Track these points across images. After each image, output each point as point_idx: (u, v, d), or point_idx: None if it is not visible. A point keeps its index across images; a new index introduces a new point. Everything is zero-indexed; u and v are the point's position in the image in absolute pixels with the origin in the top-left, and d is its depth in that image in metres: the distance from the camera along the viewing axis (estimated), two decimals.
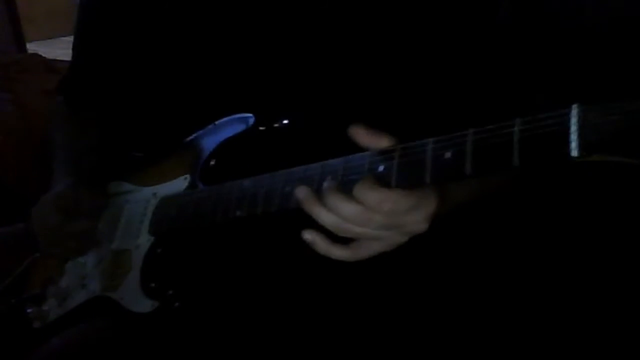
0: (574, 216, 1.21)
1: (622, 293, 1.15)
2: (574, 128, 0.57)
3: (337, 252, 0.75)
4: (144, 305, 0.98)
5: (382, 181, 0.71)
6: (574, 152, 0.57)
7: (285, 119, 0.93)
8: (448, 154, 0.66)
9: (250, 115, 0.95)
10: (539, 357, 1.12)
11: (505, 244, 1.17)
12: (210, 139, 1.00)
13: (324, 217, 0.74)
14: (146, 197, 1.07)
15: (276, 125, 0.93)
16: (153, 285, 0.99)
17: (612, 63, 1.13)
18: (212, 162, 0.99)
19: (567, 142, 0.57)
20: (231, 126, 0.98)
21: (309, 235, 0.75)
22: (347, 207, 0.72)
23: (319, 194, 0.75)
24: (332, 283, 0.99)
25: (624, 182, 1.11)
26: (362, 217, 0.72)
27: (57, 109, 1.26)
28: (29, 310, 1.14)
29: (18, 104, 2.28)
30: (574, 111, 0.58)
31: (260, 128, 0.94)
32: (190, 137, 1.04)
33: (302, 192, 0.76)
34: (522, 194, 1.07)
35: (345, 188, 0.73)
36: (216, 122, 1.00)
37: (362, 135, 0.74)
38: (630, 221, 1.17)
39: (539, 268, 1.19)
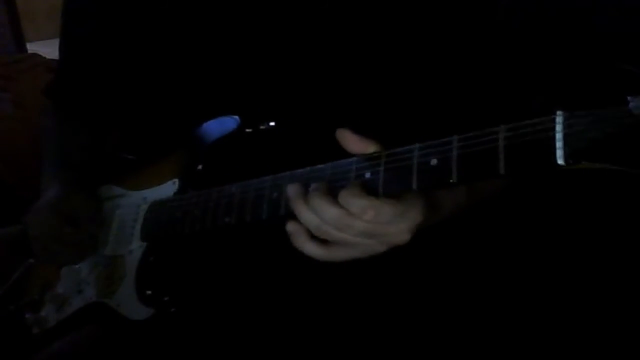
0: (569, 218, 1.21)
1: (620, 293, 1.14)
2: (559, 136, 0.57)
3: (312, 249, 0.75)
4: (140, 312, 0.97)
5: (369, 188, 0.71)
6: (560, 161, 0.57)
7: (271, 121, 0.93)
8: (434, 161, 0.66)
9: (236, 117, 0.95)
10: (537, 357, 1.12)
11: (501, 245, 1.17)
12: (197, 142, 1.00)
13: (306, 216, 0.74)
14: (136, 201, 1.06)
15: (262, 127, 0.93)
16: (149, 292, 0.98)
17: (612, 64, 1.12)
18: (200, 167, 0.99)
19: (553, 151, 0.57)
20: (217, 128, 0.97)
21: (291, 227, 0.75)
22: (330, 211, 0.71)
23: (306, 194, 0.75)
24: (326, 289, 0.98)
25: (619, 184, 1.11)
26: (343, 222, 0.71)
27: (46, 113, 1.25)
28: (27, 316, 1.13)
29: (18, 104, 2.27)
30: (559, 118, 0.57)
31: (247, 130, 0.94)
32: (178, 140, 1.03)
33: (291, 190, 0.76)
34: (517, 195, 1.07)
35: (332, 194, 0.73)
36: (203, 125, 0.99)
37: (349, 140, 0.73)
38: (627, 222, 1.16)
39: (535, 269, 1.19)
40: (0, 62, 2.57)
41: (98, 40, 1.09)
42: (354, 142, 0.73)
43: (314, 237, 0.75)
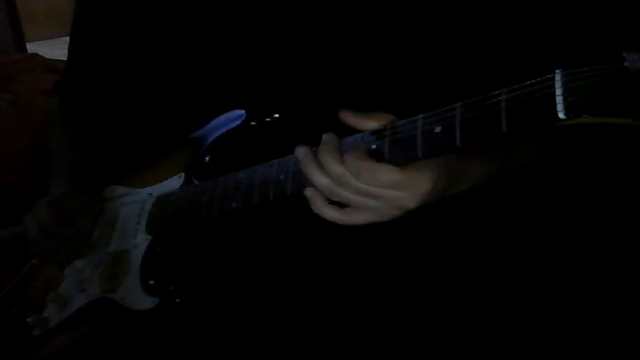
0: (572, 214, 1.21)
1: (621, 292, 1.14)
2: (559, 91, 0.59)
3: (329, 212, 0.77)
4: (145, 302, 0.97)
5: (376, 158, 0.73)
6: (561, 115, 0.59)
7: (276, 113, 0.94)
8: (438, 128, 0.68)
9: (242, 111, 0.96)
10: (539, 357, 1.11)
11: (505, 242, 1.18)
12: (204, 137, 1.00)
13: (318, 177, 0.76)
14: (142, 198, 1.06)
15: (267, 119, 0.94)
16: (153, 282, 0.99)
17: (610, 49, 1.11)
18: (207, 159, 0.99)
19: (554, 105, 0.59)
20: (224, 123, 0.98)
21: (309, 192, 0.78)
22: (333, 167, 0.74)
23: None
24: (331, 275, 0.98)
25: (623, 180, 1.12)
26: (343, 180, 0.74)
27: (54, 113, 1.26)
28: (29, 319, 1.13)
29: (18, 104, 2.27)
30: (559, 76, 0.60)
31: (252, 123, 0.95)
32: (182, 137, 1.03)
33: (301, 151, 0.78)
34: (518, 192, 1.07)
35: (340, 152, 0.75)
36: (209, 121, 1.00)
37: (350, 118, 0.76)
38: (629, 220, 1.16)
39: (538, 266, 1.19)
40: (0, 62, 2.56)
41: (105, 37, 1.10)
42: (354, 119, 0.76)
43: (331, 203, 0.77)
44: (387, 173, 0.72)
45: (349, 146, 0.76)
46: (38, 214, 1.06)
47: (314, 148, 0.78)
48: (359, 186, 0.73)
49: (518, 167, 0.91)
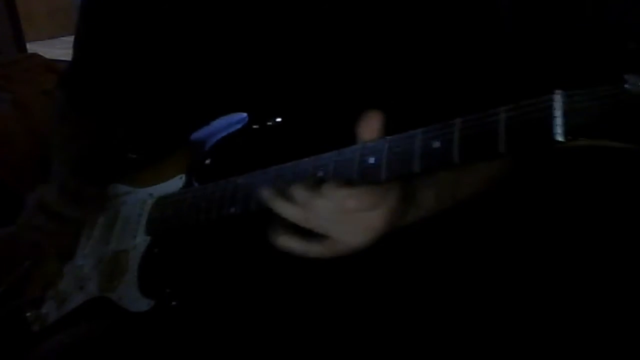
0: (570, 215, 1.21)
1: (621, 291, 1.15)
2: (558, 113, 0.58)
3: (315, 249, 0.80)
4: (141, 304, 0.98)
5: (372, 173, 0.73)
6: (559, 137, 0.58)
7: (278, 117, 0.94)
8: (436, 144, 0.68)
9: (244, 114, 0.96)
10: (538, 356, 1.12)
11: (502, 243, 1.18)
12: (205, 139, 1.01)
13: (284, 209, 0.80)
14: (142, 198, 1.07)
15: (269, 123, 0.94)
16: (150, 284, 0.99)
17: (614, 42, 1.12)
18: (208, 161, 1.00)
19: (552, 127, 0.58)
20: (226, 126, 0.98)
21: (282, 243, 0.81)
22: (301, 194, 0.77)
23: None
24: (328, 280, 0.99)
25: (622, 181, 1.12)
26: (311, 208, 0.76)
27: (56, 109, 1.26)
28: (28, 314, 1.14)
29: (18, 104, 2.28)
30: (558, 97, 0.58)
31: (254, 126, 0.95)
32: (184, 138, 1.04)
33: (265, 193, 0.80)
34: (516, 193, 1.07)
35: (337, 181, 0.76)
36: (211, 122, 1.00)
37: (372, 124, 0.75)
38: (628, 219, 1.17)
39: (536, 266, 1.20)
40: (0, 62, 2.57)
41: (111, 34, 1.11)
42: (373, 129, 0.75)
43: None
44: (354, 200, 0.75)
45: (347, 156, 0.76)
46: (44, 192, 1.05)
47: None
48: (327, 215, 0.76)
49: (471, 196, 0.91)
